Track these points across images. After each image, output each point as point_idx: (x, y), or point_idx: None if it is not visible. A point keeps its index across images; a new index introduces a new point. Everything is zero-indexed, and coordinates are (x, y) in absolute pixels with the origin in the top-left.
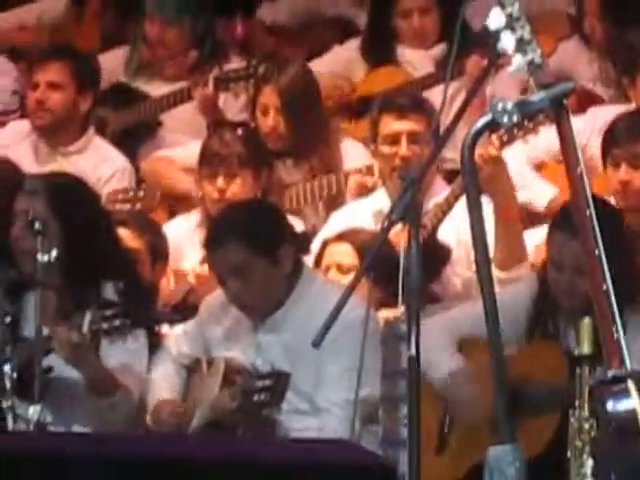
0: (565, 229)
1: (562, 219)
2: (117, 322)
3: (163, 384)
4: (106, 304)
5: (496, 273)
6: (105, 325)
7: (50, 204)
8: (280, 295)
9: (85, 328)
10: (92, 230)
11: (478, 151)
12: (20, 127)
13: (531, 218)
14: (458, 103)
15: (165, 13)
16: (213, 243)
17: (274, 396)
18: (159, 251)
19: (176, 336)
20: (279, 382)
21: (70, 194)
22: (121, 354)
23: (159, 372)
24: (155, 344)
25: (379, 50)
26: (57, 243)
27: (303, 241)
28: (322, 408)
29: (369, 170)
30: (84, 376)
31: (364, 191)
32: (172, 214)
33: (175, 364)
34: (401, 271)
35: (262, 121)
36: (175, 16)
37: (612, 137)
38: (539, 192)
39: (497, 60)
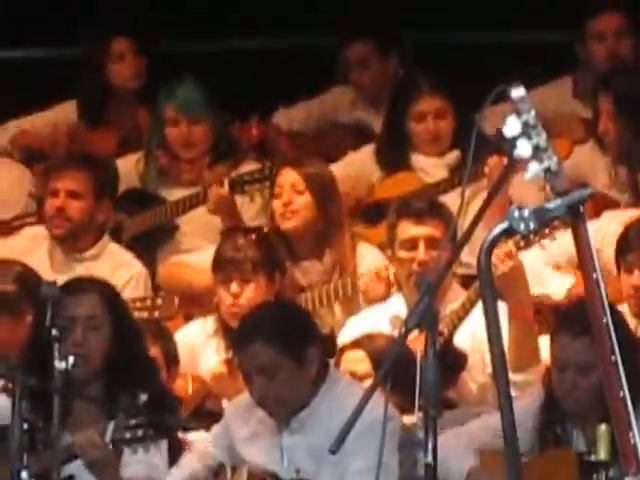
0: (569, 329)
1: (566, 319)
2: (140, 432)
3: None
4: (131, 413)
5: (510, 376)
6: (128, 435)
7: (103, 301)
8: (305, 396)
9: (108, 437)
10: (133, 334)
11: (495, 251)
12: (35, 233)
13: (549, 312)
14: (474, 207)
15: (190, 111)
16: (241, 342)
17: None
18: (172, 357)
19: (202, 438)
20: None
21: (118, 296)
22: (143, 466)
23: (183, 468)
24: (175, 451)
25: (394, 156)
26: (109, 341)
27: (329, 343)
28: None
29: (387, 271)
30: None
31: (381, 287)
32: (188, 319)
33: (201, 462)
34: (418, 377)
35: (276, 203)
36: (200, 113)
37: (625, 242)
38: (556, 284)
39: (514, 166)
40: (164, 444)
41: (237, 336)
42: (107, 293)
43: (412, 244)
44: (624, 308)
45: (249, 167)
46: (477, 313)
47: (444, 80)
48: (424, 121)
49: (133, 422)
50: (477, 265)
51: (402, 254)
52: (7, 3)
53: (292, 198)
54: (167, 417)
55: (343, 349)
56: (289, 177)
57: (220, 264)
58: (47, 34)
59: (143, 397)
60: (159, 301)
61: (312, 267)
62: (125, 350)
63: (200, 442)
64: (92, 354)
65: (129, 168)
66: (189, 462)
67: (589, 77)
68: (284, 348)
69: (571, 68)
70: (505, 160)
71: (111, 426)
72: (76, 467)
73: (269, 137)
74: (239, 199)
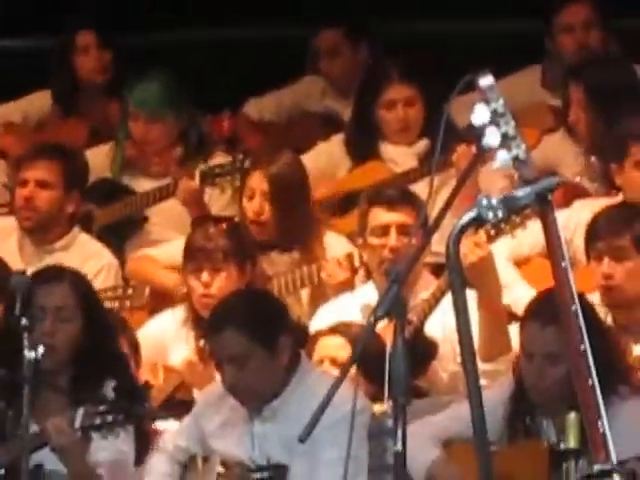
0: (537, 318)
1: (535, 308)
2: (109, 418)
3: None
4: (100, 400)
5: (480, 365)
6: (97, 420)
7: (74, 292)
8: (277, 385)
9: (77, 423)
10: (104, 326)
11: (464, 240)
12: (6, 224)
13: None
14: (443, 196)
15: (148, 108)
16: (212, 329)
17: None
18: (134, 347)
19: (172, 431)
20: (276, 474)
21: (90, 287)
22: (110, 451)
23: (153, 472)
24: (145, 440)
25: (363, 145)
26: (79, 333)
27: (301, 332)
28: None
29: (349, 257)
30: (70, 470)
31: (344, 273)
32: (153, 313)
33: (171, 462)
34: (387, 366)
35: (247, 206)
36: (158, 111)
37: (594, 230)
38: (519, 295)
39: (483, 155)
40: (131, 431)
41: (209, 324)
42: (78, 283)
43: (383, 230)
44: (594, 297)
45: (220, 159)
46: (448, 302)
47: (414, 69)
48: (394, 109)
49: (102, 408)
50: (445, 254)
51: (373, 241)
52: None
53: (264, 207)
54: (136, 405)
55: (317, 336)
56: (260, 184)
57: (191, 253)
58: (26, 24)
59: (110, 385)
60: (130, 291)
61: (279, 258)
62: (95, 342)
63: (169, 436)
64: (60, 345)
65: (101, 159)
66: (159, 464)
67: (557, 67)
68: (256, 336)
69: (539, 58)
70: (474, 148)
71: (80, 412)
72: (44, 455)
73: (239, 128)
74: (209, 190)
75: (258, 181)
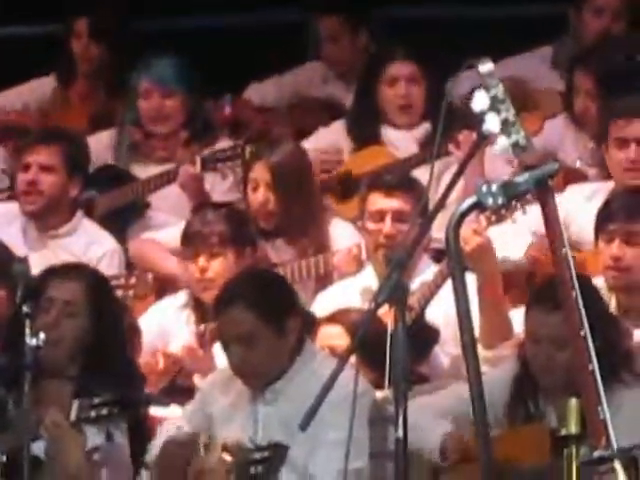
0: (543, 303)
1: (540, 293)
2: (104, 410)
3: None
4: (95, 392)
5: (482, 352)
6: (92, 413)
7: (87, 291)
8: (282, 367)
9: (73, 416)
10: (114, 322)
11: (463, 227)
12: (8, 209)
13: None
14: (446, 182)
15: (164, 82)
16: (221, 307)
17: (270, 468)
18: (133, 328)
19: (174, 418)
20: (276, 454)
21: (105, 285)
22: (106, 444)
23: (159, 441)
24: (143, 426)
25: (364, 128)
26: (84, 329)
27: (310, 318)
28: (313, 476)
29: (359, 249)
30: (64, 464)
31: (354, 265)
32: (160, 296)
33: (179, 429)
34: (388, 353)
35: (252, 197)
36: (173, 86)
37: (608, 212)
38: (513, 244)
39: (483, 141)
40: (124, 427)
41: (217, 301)
42: (93, 283)
43: (380, 216)
44: (599, 282)
45: (222, 145)
46: (450, 288)
47: (419, 49)
48: (396, 85)
49: (97, 400)
50: (445, 240)
51: (370, 226)
52: None
53: (268, 198)
54: (132, 393)
55: (319, 324)
56: (264, 175)
57: (188, 238)
58: (28, 11)
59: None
60: (133, 280)
61: (285, 247)
62: (101, 339)
63: (170, 422)
64: (63, 338)
65: (101, 145)
66: (168, 429)
67: (571, 48)
68: (264, 315)
69: (549, 42)
70: (474, 135)
71: (75, 405)
72: (41, 447)
73: (241, 113)
74: (211, 176)
75: (261, 172)
